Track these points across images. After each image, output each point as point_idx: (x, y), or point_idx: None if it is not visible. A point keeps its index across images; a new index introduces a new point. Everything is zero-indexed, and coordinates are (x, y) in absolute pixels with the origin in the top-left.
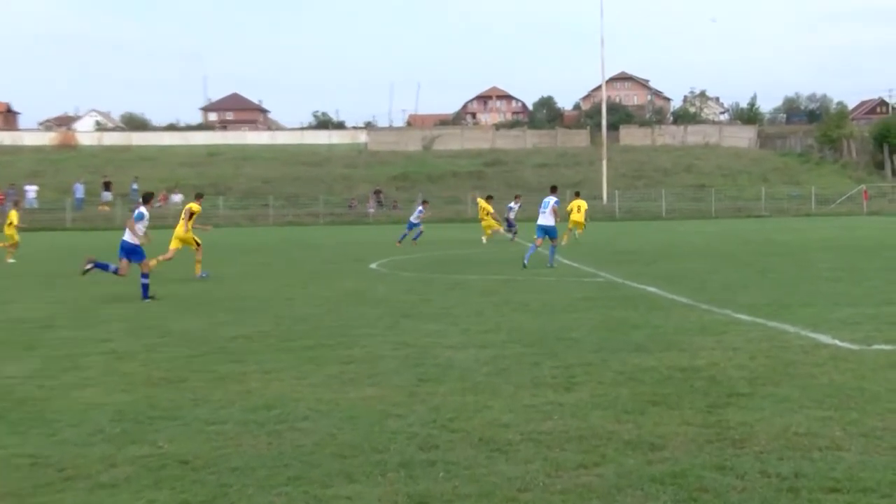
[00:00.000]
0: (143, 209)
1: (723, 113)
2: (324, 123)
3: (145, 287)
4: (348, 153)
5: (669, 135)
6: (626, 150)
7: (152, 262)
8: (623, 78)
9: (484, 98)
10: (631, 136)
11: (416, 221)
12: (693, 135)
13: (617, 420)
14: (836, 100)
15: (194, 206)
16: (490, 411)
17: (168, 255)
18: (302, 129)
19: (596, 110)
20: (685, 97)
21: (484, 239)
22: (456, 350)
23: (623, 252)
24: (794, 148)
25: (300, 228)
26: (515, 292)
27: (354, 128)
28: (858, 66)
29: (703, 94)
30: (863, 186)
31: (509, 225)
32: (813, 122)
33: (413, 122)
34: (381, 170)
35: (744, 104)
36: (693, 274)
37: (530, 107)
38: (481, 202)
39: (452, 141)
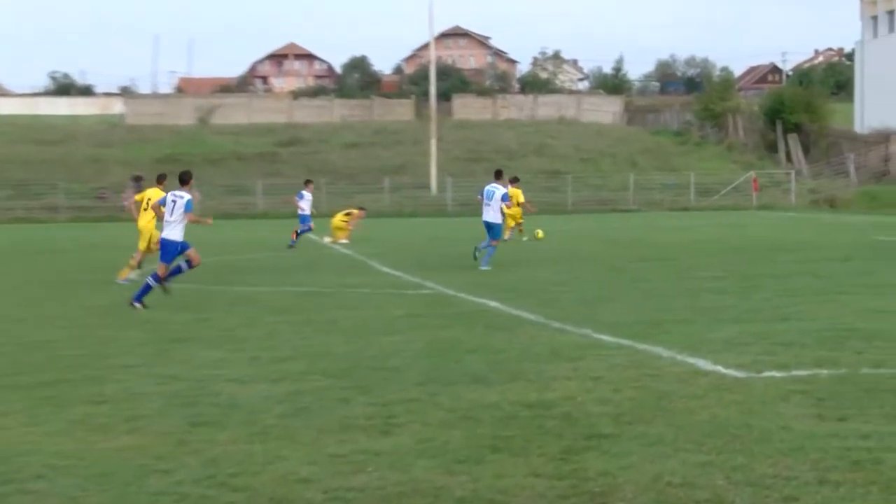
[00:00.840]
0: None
1: (582, 80)
2: (64, 88)
3: (146, 290)
4: (98, 128)
5: (515, 107)
6: (461, 127)
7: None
8: (457, 34)
9: (278, 58)
10: (467, 108)
11: (306, 212)
12: (545, 107)
13: (448, 471)
14: (719, 65)
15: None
16: (285, 463)
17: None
18: (35, 95)
19: (423, 75)
20: (535, 59)
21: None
22: (241, 384)
23: (456, 256)
24: (670, 124)
25: (33, 227)
26: (319, 309)
27: (106, 94)
28: (746, 24)
29: (557, 57)
30: (752, 174)
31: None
32: (692, 92)
33: (185, 89)
34: (141, 150)
35: (607, 69)
36: (544, 284)
37: (338, 70)
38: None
39: (237, 113)
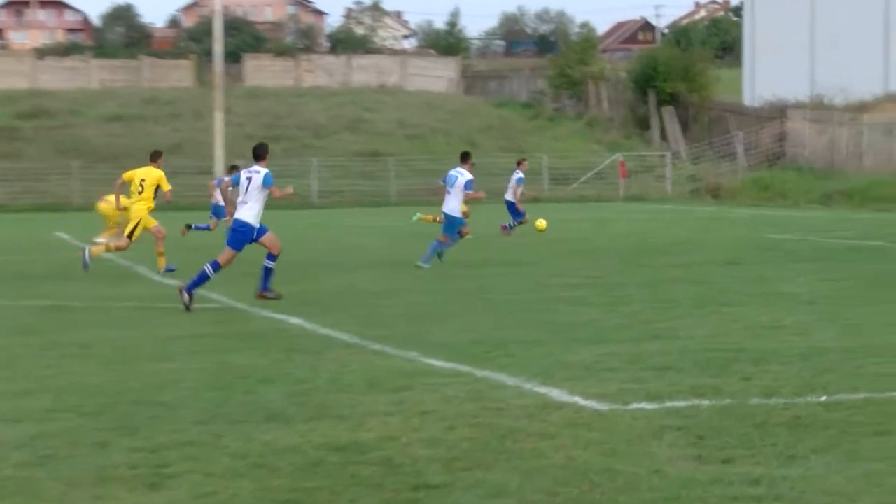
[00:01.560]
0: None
1: (408, 37)
2: None
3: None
4: None
5: (324, 71)
6: (254, 95)
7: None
8: None
9: (17, 6)
10: (263, 72)
11: (220, 203)
12: (361, 71)
13: None
14: (578, 20)
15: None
16: None
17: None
18: None
19: (205, 30)
20: (348, 11)
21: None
22: None
23: (251, 262)
24: (517, 94)
25: None
26: (70, 328)
27: None
28: None
29: (376, 8)
30: (618, 156)
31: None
32: (545, 54)
33: None
34: None
35: (440, 24)
36: (361, 295)
37: (96, 22)
38: None
39: None
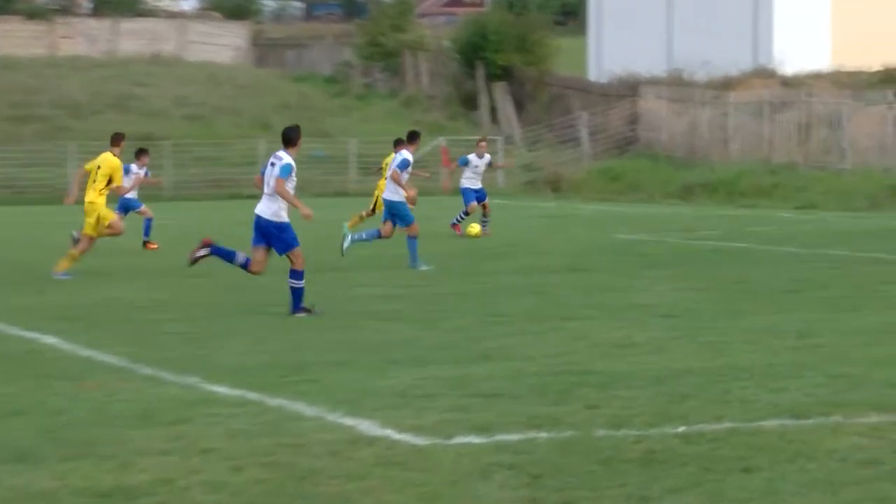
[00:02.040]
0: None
1: None
2: None
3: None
4: None
5: (85, 37)
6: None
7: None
8: None
9: None
10: (9, 38)
11: (134, 198)
12: (130, 38)
13: None
14: None
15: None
16: None
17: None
18: None
19: None
20: None
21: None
22: None
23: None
24: (320, 67)
25: None
26: None
27: None
28: None
29: None
30: (440, 141)
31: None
32: (352, 18)
33: None
34: None
35: None
36: (131, 308)
37: None
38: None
39: None
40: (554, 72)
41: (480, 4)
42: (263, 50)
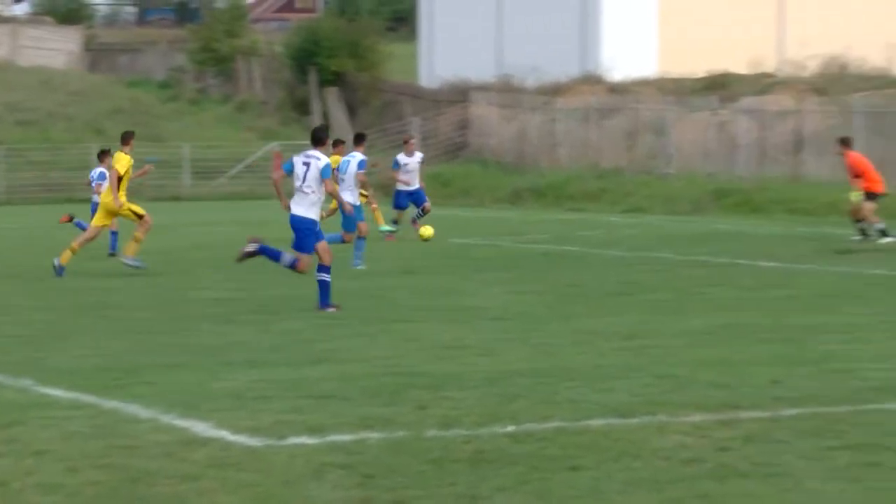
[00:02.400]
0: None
1: (19, 1)
2: None
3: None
4: None
5: None
6: None
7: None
8: None
9: None
10: None
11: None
12: None
13: None
14: None
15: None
16: None
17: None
18: None
19: None
20: None
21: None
22: None
23: None
24: (153, 72)
25: None
26: None
27: None
28: None
29: None
30: (275, 146)
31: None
32: (185, 23)
33: None
34: None
35: None
36: None
37: None
38: None
39: None
40: (386, 77)
41: (313, 10)
42: (96, 55)
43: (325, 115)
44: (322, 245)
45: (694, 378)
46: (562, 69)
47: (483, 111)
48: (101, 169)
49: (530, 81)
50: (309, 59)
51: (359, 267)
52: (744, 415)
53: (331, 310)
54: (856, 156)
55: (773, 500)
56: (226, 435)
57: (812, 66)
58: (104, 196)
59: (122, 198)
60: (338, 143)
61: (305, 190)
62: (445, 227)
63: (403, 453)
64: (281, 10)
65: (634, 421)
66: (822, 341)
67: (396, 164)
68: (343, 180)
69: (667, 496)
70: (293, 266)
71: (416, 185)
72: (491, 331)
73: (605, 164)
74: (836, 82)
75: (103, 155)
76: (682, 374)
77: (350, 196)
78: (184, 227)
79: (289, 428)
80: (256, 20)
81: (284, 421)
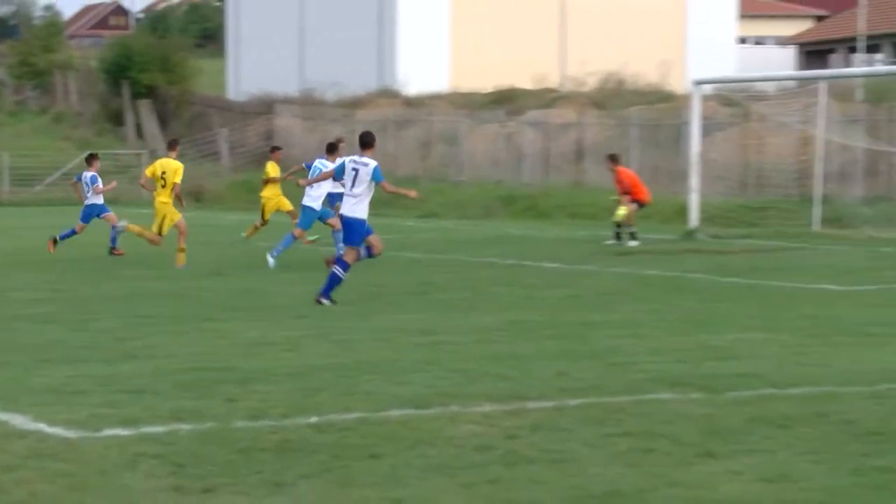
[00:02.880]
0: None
1: None
2: None
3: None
4: None
5: None
6: None
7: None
8: None
9: None
10: None
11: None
12: None
13: None
14: (42, 1)
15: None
16: None
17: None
18: None
19: None
20: None
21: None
22: None
23: None
24: None
25: None
26: None
27: None
28: None
29: None
30: (88, 153)
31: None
32: (4, 39)
33: None
34: None
35: None
36: None
37: None
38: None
39: None
40: (195, 91)
41: (126, 27)
42: None
43: (139, 127)
44: (372, 238)
45: (484, 371)
46: (361, 83)
47: (287, 122)
48: (91, 172)
49: (331, 95)
50: (122, 73)
51: (270, 263)
52: (531, 405)
53: (326, 302)
54: (624, 171)
55: (559, 484)
56: (43, 427)
57: (591, 82)
58: (165, 198)
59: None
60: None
61: (355, 192)
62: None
63: (213, 443)
64: (96, 27)
65: (429, 411)
66: (603, 336)
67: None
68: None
69: (460, 481)
70: (369, 254)
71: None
72: (295, 328)
73: (401, 172)
74: (613, 97)
75: (91, 159)
76: (473, 367)
77: (314, 200)
78: (3, 231)
79: (104, 421)
80: (72, 36)
81: (100, 414)
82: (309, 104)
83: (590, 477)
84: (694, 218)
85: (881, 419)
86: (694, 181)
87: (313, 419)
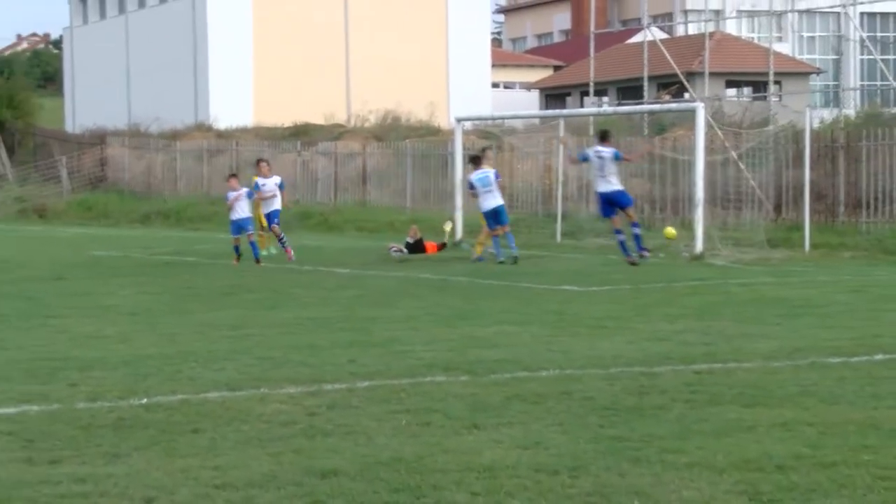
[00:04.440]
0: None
1: None
2: None
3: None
4: None
5: None
6: None
7: None
8: None
9: None
10: None
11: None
12: None
13: None
14: None
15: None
16: None
17: None
18: None
19: None
20: None
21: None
22: None
23: None
24: None
25: None
26: None
27: None
28: None
29: None
30: None
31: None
32: None
33: None
34: None
35: None
36: None
37: None
38: None
39: None
40: (38, 124)
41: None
42: None
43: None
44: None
45: (287, 359)
46: (179, 118)
47: (118, 151)
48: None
49: (154, 128)
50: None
51: (500, 259)
52: (327, 387)
53: (646, 253)
54: None
55: (352, 452)
56: None
57: (372, 119)
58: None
59: None
60: (258, 163)
61: (605, 174)
62: (88, 242)
63: (58, 422)
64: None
65: (242, 393)
66: (386, 329)
67: (257, 187)
68: (489, 190)
69: (269, 451)
70: (635, 237)
71: (274, 207)
72: (125, 323)
73: (214, 192)
74: (391, 131)
75: (232, 178)
76: (278, 356)
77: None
78: None
79: None
80: None
81: None
82: (136, 136)
83: (378, 447)
84: (459, 231)
85: (614, 396)
86: (458, 200)
87: (144, 400)
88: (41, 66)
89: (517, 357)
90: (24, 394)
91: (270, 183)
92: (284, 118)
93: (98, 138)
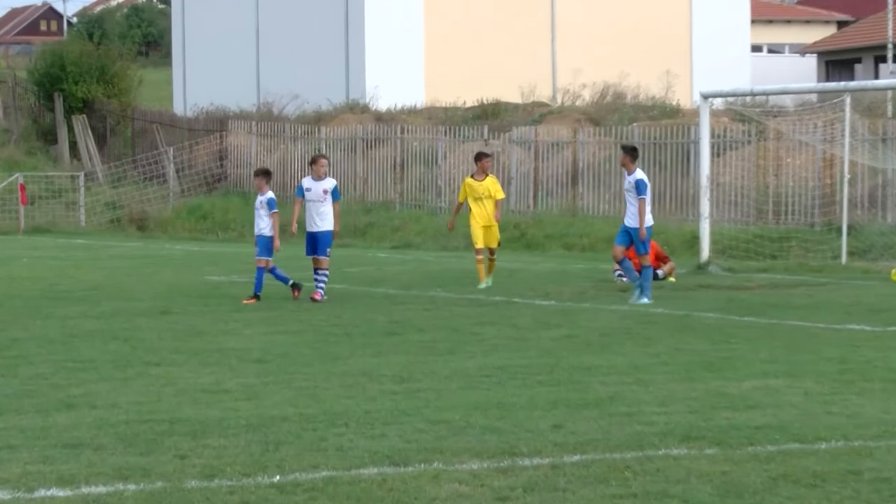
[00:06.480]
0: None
1: None
2: None
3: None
4: None
5: None
6: None
7: None
8: None
9: None
10: None
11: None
12: None
13: None
14: None
15: None
16: None
17: None
18: None
19: None
20: None
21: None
22: None
23: None
24: None
25: None
26: None
27: None
28: None
29: None
30: (17, 177)
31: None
32: None
33: None
34: None
35: None
36: None
37: None
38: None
39: None
40: (137, 105)
41: (58, 33)
42: None
43: (74, 145)
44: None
45: (469, 423)
46: (324, 97)
47: (242, 140)
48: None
49: (290, 109)
50: (55, 85)
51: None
52: (523, 462)
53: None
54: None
55: None
56: None
57: (586, 95)
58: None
59: None
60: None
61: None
62: (202, 263)
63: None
64: (24, 32)
65: (408, 469)
66: (604, 383)
67: (300, 192)
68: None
69: None
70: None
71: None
72: (252, 374)
73: (370, 197)
74: (611, 112)
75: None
76: (457, 418)
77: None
78: None
79: (38, 479)
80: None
81: (33, 472)
82: (266, 119)
83: None
84: (705, 249)
85: None
86: (704, 207)
87: (276, 478)
88: (142, 28)
89: (784, 423)
90: (119, 468)
91: (318, 188)
92: (466, 95)
93: (217, 123)
